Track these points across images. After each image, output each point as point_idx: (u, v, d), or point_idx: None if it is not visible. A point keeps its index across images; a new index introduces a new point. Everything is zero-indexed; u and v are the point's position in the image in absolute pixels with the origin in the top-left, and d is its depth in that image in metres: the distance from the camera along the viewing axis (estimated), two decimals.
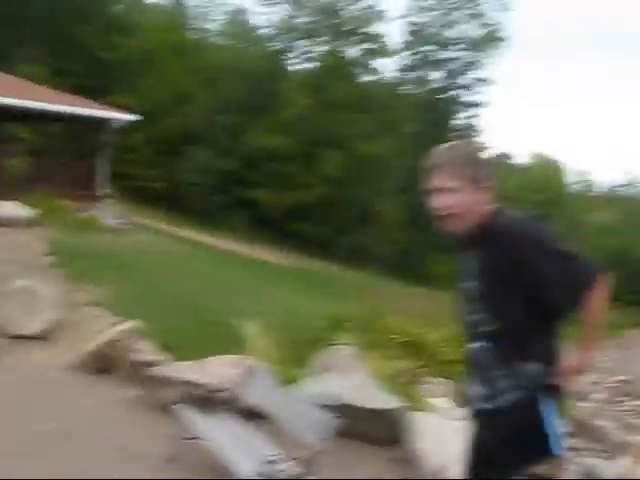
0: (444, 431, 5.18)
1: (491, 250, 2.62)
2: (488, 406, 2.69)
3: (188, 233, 23.36)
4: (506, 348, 2.64)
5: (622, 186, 56.88)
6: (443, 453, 4.64)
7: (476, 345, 2.71)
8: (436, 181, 2.66)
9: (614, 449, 8.05)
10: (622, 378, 14.98)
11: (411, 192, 38.91)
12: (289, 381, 5.92)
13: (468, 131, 42.67)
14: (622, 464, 6.87)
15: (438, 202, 2.67)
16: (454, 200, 2.63)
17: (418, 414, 5.56)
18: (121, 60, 32.32)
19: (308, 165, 35.01)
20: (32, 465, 4.35)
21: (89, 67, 31.09)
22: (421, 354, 9.23)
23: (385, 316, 10.44)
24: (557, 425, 2.67)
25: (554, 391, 2.65)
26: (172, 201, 31.30)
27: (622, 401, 13.09)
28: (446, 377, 8.58)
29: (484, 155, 2.74)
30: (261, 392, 4.82)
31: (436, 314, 12.95)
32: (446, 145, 2.74)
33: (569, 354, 2.65)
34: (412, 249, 36.53)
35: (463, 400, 2.93)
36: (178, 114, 32.64)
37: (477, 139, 44.33)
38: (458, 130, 42.87)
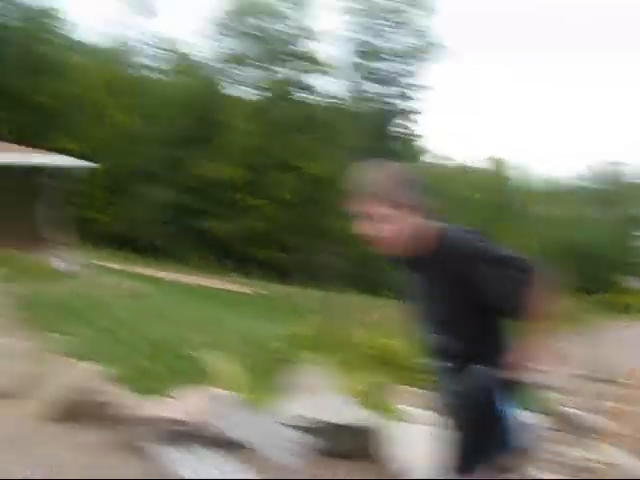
0: (422, 439, 5.25)
1: (438, 270, 2.65)
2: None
3: (146, 270, 23.19)
4: (464, 363, 2.73)
5: (569, 180, 58.20)
6: (417, 460, 4.71)
7: (439, 365, 2.82)
8: (365, 207, 2.65)
9: (584, 434, 8.23)
10: (583, 366, 15.28)
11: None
12: (260, 407, 5.93)
13: (410, 138, 43.29)
14: (594, 448, 7.04)
15: (368, 228, 2.66)
16: (385, 227, 2.64)
17: (394, 424, 5.63)
18: (55, 103, 31.99)
19: (259, 190, 35.07)
20: None
21: (22, 113, 30.67)
22: (389, 364, 9.31)
23: (351, 330, 10.51)
24: (518, 418, 2.76)
25: (509, 385, 2.74)
26: (126, 240, 31.06)
27: (586, 386, 13.34)
28: (418, 386, 8.68)
29: (413, 176, 2.74)
30: (235, 421, 4.85)
31: (398, 323, 13.07)
32: (373, 169, 2.73)
33: (518, 348, 2.73)
34: (368, 261, 36.77)
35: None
36: (122, 153, 32.47)
37: (419, 145, 45.05)
38: (397, 138, 43.44)
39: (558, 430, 8.02)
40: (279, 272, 34.61)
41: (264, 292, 25.28)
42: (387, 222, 2.62)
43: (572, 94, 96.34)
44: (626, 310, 35.65)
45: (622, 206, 50.75)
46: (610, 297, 36.83)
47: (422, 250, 2.66)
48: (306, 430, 4.68)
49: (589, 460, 6.84)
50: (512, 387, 2.76)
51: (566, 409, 8.92)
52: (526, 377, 2.77)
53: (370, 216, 2.64)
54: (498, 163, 56.75)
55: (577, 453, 7.25)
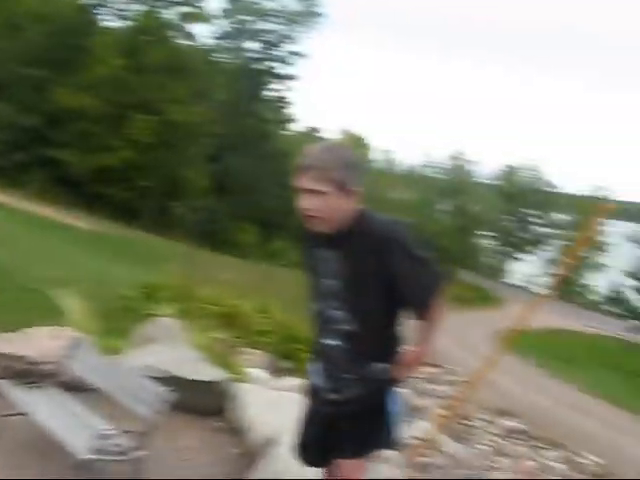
0: (267, 401, 5.44)
1: (355, 251, 2.73)
2: (332, 397, 2.87)
3: None
4: (361, 350, 2.80)
5: (421, 166, 60.41)
6: (267, 423, 4.88)
7: (330, 342, 2.84)
8: (306, 182, 2.67)
9: (412, 414, 8.79)
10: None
11: (218, 160, 38.98)
12: (112, 352, 5.89)
13: (279, 103, 43.29)
14: (419, 427, 7.55)
15: (306, 203, 2.69)
16: (321, 203, 2.67)
17: (241, 385, 5.77)
18: None
19: (116, 128, 33.80)
20: None
21: None
22: (236, 325, 9.46)
23: (199, 286, 10.52)
24: (400, 414, 2.93)
25: (396, 383, 2.89)
26: None
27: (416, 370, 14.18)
28: (261, 348, 8.90)
29: (355, 159, 2.79)
30: (87, 364, 4.77)
31: (247, 284, 13.23)
32: (318, 146, 2.75)
33: (409, 347, 2.85)
34: (217, 217, 36.65)
35: (306, 386, 3.08)
36: None
37: (289, 110, 45.12)
38: (269, 101, 43.34)
39: None
40: (127, 214, 33.71)
41: (111, 232, 24.59)
42: (322, 198, 2.66)
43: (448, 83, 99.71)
44: (456, 300, 37.73)
45: (466, 201, 53.39)
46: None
47: (346, 228, 2.72)
48: (160, 382, 4.70)
49: (409, 437, 7.33)
50: (398, 384, 2.90)
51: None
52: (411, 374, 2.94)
53: (308, 191, 2.67)
54: (359, 141, 58.09)
55: (405, 431, 7.75)
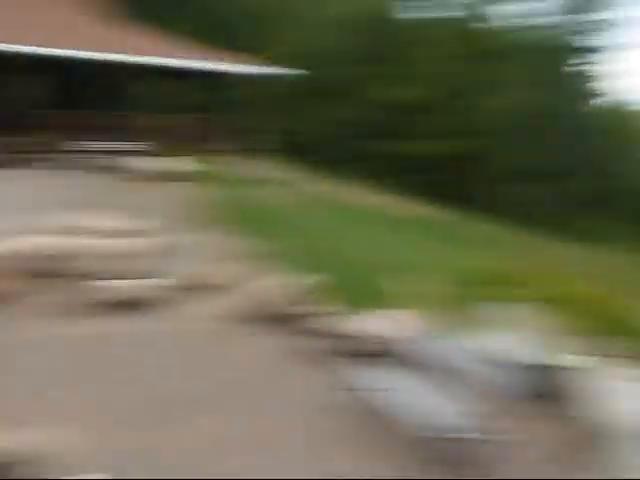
0: (608, 390, 5.00)
1: None
2: None
3: (330, 188, 23.54)
4: None
5: None
6: (615, 413, 4.46)
7: None
8: None
9: None
10: None
11: (543, 143, 37.36)
12: (452, 336, 5.89)
13: (590, 77, 40.38)
14: None
15: None
16: None
17: (580, 371, 5.39)
18: (244, 11, 32.76)
19: (446, 116, 34.20)
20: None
21: (214, 19, 31.64)
22: (588, 312, 8.92)
23: (539, 270, 10.13)
24: None
25: None
26: (310, 155, 31.51)
27: None
28: (617, 336, 8.24)
29: None
30: (438, 347, 4.82)
31: (591, 270, 12.45)
32: None
33: None
34: (553, 201, 35.19)
35: None
36: (308, 67, 32.52)
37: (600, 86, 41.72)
38: (580, 76, 40.46)
39: None
40: (455, 200, 33.84)
41: (446, 219, 24.87)
42: None
43: None
44: None
45: None
46: None
47: None
48: (507, 366, 4.56)
49: None
50: None
51: None
52: None
53: None
54: None
55: None
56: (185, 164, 15.81)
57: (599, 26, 38.68)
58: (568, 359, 5.60)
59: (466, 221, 26.84)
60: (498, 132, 34.73)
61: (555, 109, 38.81)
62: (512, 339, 5.78)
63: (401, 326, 5.68)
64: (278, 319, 6.54)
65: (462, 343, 5.58)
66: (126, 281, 7.04)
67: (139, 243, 7.90)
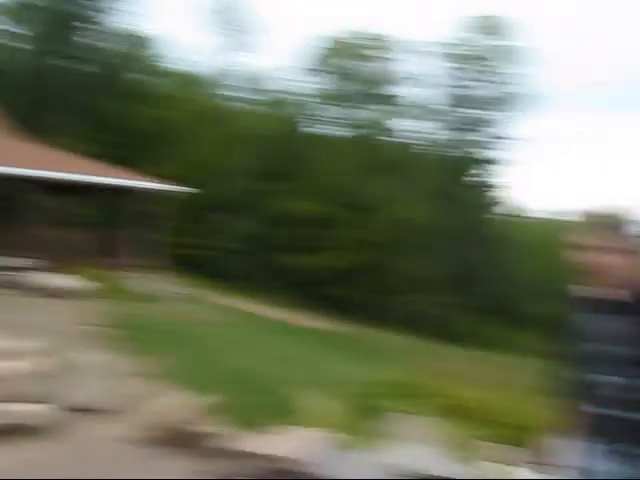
0: None
1: None
2: None
3: (231, 301, 23.42)
4: None
5: None
6: None
7: (628, 415, 2.65)
8: (595, 240, 2.68)
9: None
10: None
11: (443, 252, 38.82)
12: (358, 451, 5.78)
13: (489, 188, 42.75)
14: None
15: (596, 260, 2.67)
16: (614, 260, 2.66)
17: None
18: (144, 129, 33.12)
19: (339, 229, 35.11)
20: None
21: (112, 136, 31.80)
22: (485, 420, 9.00)
23: (442, 381, 10.24)
24: None
25: None
26: (211, 269, 31.44)
27: None
28: (515, 444, 8.32)
29: (634, 222, 2.77)
30: (333, 464, 4.71)
31: (494, 377, 12.72)
32: (601, 207, 2.78)
33: None
34: (453, 311, 36.18)
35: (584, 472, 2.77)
36: (205, 182, 33.03)
37: (498, 196, 44.24)
38: (485, 187, 42.79)
39: None
40: (355, 312, 34.39)
41: (347, 331, 25.10)
42: (613, 256, 2.66)
43: None
44: None
45: None
46: None
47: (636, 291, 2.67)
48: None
49: None
50: None
51: None
52: None
53: (598, 248, 2.67)
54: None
55: None
56: (83, 280, 15.37)
57: (496, 141, 41.31)
58: (472, 470, 5.60)
59: (367, 333, 27.17)
60: (398, 244, 35.84)
61: (454, 220, 40.59)
62: (417, 452, 5.75)
63: (305, 443, 5.54)
64: (178, 441, 6.26)
65: (367, 458, 5.48)
66: (11, 405, 6.60)
67: (26, 364, 7.48)
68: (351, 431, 6.68)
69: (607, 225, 2.71)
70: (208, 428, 6.19)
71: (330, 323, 26.86)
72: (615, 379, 2.68)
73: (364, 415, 8.05)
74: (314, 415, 7.14)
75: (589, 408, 2.73)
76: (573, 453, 2.75)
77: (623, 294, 2.68)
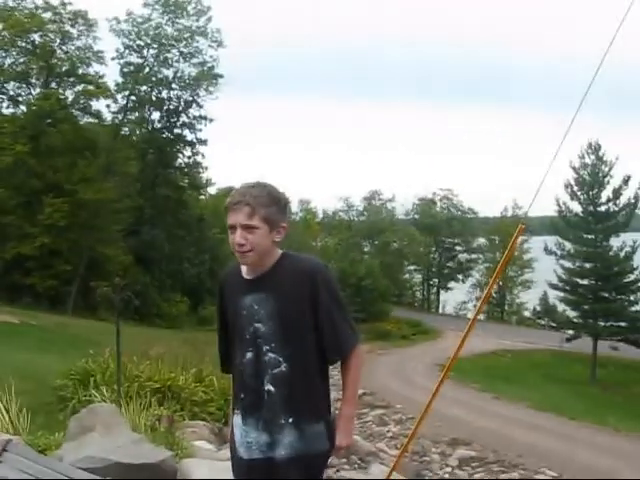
0: (215, 475, 5.27)
1: (285, 290, 2.77)
2: (268, 455, 2.80)
3: None
4: (298, 393, 2.78)
5: (341, 212, 61.04)
6: None
7: (268, 388, 2.80)
8: (239, 218, 2.74)
9: (366, 459, 8.68)
10: (361, 391, 16.12)
11: (137, 233, 38.57)
12: (47, 449, 5.62)
13: (192, 169, 43.23)
14: (375, 472, 7.45)
15: (239, 239, 2.74)
16: (255, 238, 2.73)
17: (187, 461, 5.59)
18: None
19: (29, 214, 33.09)
20: None
21: None
22: (174, 399, 9.20)
23: (132, 364, 10.21)
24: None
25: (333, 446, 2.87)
26: None
27: (365, 413, 14.09)
28: (202, 419, 8.68)
29: (282, 196, 2.88)
30: (20, 467, 4.54)
31: (181, 355, 12.96)
32: (248, 184, 2.83)
33: (342, 405, 2.86)
34: (141, 291, 36.07)
35: (234, 446, 2.96)
36: None
37: (202, 175, 45.02)
38: (182, 168, 43.23)
39: (340, 456, 8.38)
40: (51, 301, 32.86)
41: (34, 322, 23.77)
42: (257, 235, 2.73)
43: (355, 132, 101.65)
44: (385, 337, 37.96)
45: (388, 239, 54.18)
46: (377, 326, 38.98)
47: (272, 269, 2.80)
48: (101, 472, 4.50)
49: None
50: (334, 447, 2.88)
51: None
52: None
53: (242, 226, 2.73)
54: None
55: (355, 477, 7.64)
56: None
57: (200, 121, 41.41)
58: (169, 450, 5.75)
59: (62, 322, 26.03)
60: (88, 227, 34.63)
61: (152, 201, 40.26)
62: (111, 440, 5.73)
63: None
64: None
65: (54, 456, 5.35)
66: None
67: None
68: (38, 429, 6.46)
69: (241, 201, 2.75)
70: None
71: (22, 315, 25.22)
72: (250, 354, 2.82)
73: (53, 410, 7.81)
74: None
75: (237, 382, 2.92)
76: (235, 425, 2.96)
77: (254, 272, 2.82)
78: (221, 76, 40.37)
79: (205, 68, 40.51)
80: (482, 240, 58.16)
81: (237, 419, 2.91)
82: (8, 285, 31.72)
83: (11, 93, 37.06)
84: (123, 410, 7.04)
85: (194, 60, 40.63)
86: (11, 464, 4.55)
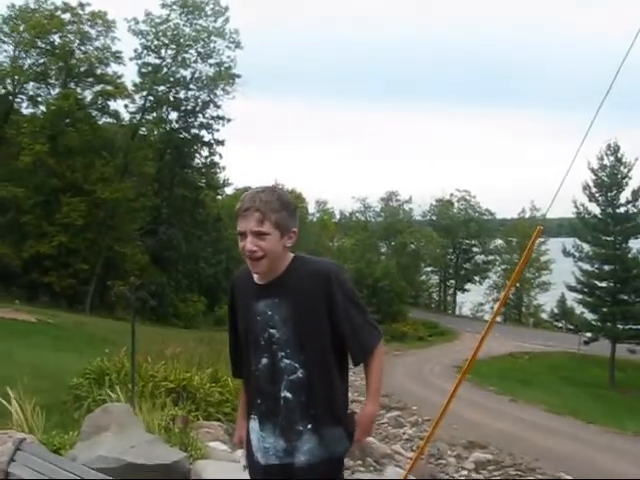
0: (229, 476, 5.23)
1: (299, 294, 2.72)
2: (285, 461, 2.76)
3: None
4: (315, 399, 2.73)
5: (357, 213, 61.03)
6: None
7: (284, 395, 2.75)
8: (249, 224, 2.69)
9: (381, 461, 8.63)
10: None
11: (154, 233, 38.72)
12: (61, 448, 5.61)
13: (209, 169, 43.30)
14: (391, 474, 7.40)
15: (250, 245, 2.69)
16: (266, 244, 2.68)
17: (201, 462, 5.56)
18: None
19: (47, 214, 33.34)
20: None
21: None
22: (189, 399, 9.19)
23: (149, 364, 10.22)
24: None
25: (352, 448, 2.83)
26: None
27: (381, 414, 14.01)
28: (217, 420, 8.66)
29: (292, 201, 2.84)
30: (32, 466, 4.53)
31: (197, 355, 12.97)
32: (258, 190, 2.77)
33: (366, 402, 2.80)
34: (158, 290, 36.23)
35: (252, 450, 2.91)
36: None
37: (219, 176, 45.10)
38: (199, 168, 43.31)
39: (356, 458, 8.34)
40: (69, 299, 33.08)
41: (53, 321, 23.92)
42: (267, 241, 2.68)
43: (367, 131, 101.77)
44: (402, 338, 37.90)
45: (405, 240, 54.07)
46: (393, 327, 38.91)
47: (285, 273, 2.76)
48: (114, 472, 4.48)
49: None
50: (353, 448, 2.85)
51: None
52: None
53: (253, 233, 2.68)
54: (293, 194, 58.41)
55: (371, 478, 7.59)
56: None
57: (218, 121, 41.50)
58: (183, 451, 5.72)
59: (79, 320, 26.19)
60: (107, 227, 34.84)
61: (171, 201, 40.42)
62: (125, 440, 5.71)
63: (4, 448, 5.23)
64: None
65: (68, 456, 5.35)
66: None
67: None
68: (54, 429, 6.46)
69: (251, 207, 2.70)
70: None
71: (41, 314, 25.39)
72: (266, 360, 2.78)
73: (68, 409, 7.82)
74: (15, 416, 6.77)
75: (252, 387, 2.87)
76: (250, 431, 2.91)
77: (266, 277, 2.77)
78: (239, 76, 40.46)
79: (222, 68, 40.58)
80: (499, 242, 57.88)
81: (254, 424, 2.86)
82: (26, 284, 31.97)
83: (30, 93, 37.36)
84: (137, 410, 7.02)
85: (211, 60, 40.73)
86: (24, 463, 4.54)
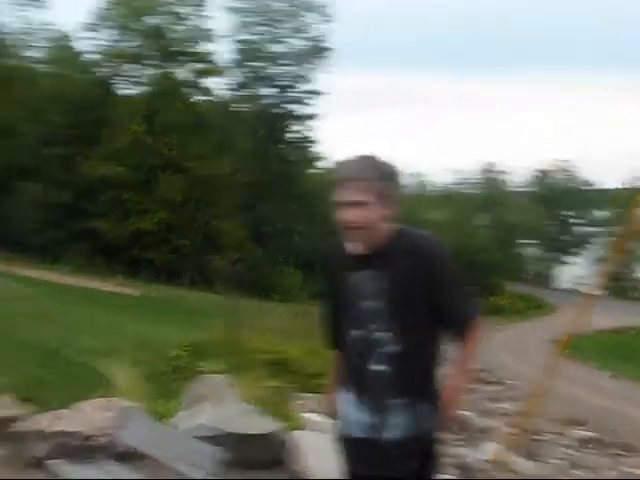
0: (325, 447, 5.30)
1: (399, 268, 2.66)
2: (375, 435, 2.74)
3: (27, 272, 22.24)
4: (409, 373, 2.70)
5: (454, 185, 60.12)
6: (328, 469, 4.75)
7: (377, 368, 2.72)
8: (347, 194, 2.63)
9: (478, 435, 8.55)
10: (475, 366, 15.87)
11: (251, 208, 39.35)
12: (164, 417, 5.83)
13: (303, 143, 43.56)
14: (487, 449, 7.32)
15: (348, 216, 2.63)
16: (365, 214, 2.62)
17: (298, 433, 5.66)
18: None
19: (147, 191, 34.42)
20: None
21: None
22: (287, 371, 9.35)
23: (246, 336, 10.45)
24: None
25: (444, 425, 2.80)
26: (4, 239, 29.59)
27: (477, 388, 13.84)
28: (314, 391, 8.77)
29: (393, 169, 2.75)
30: (138, 433, 4.71)
31: (294, 328, 13.17)
32: (356, 158, 2.70)
33: (455, 376, 2.76)
34: (255, 264, 36.84)
35: (338, 422, 2.92)
36: (2, 148, 30.99)
37: (313, 150, 45.31)
38: (292, 143, 43.63)
39: (452, 432, 8.28)
40: (169, 274, 34.11)
41: (153, 295, 24.79)
42: (366, 210, 2.61)
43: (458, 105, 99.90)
44: (499, 312, 37.30)
45: (503, 213, 52.98)
46: (491, 301, 38.38)
47: (385, 245, 2.68)
48: (213, 441, 4.61)
49: (478, 460, 7.10)
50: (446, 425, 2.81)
51: (460, 411, 9.16)
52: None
53: (350, 203, 2.62)
54: None
55: (467, 453, 7.53)
56: None
57: (310, 95, 41.80)
58: (281, 422, 5.85)
59: (179, 295, 27.06)
60: (205, 203, 35.67)
61: (266, 176, 41.01)
62: (228, 411, 5.88)
63: (111, 415, 5.47)
64: None
65: (178, 422, 5.55)
66: None
67: None
68: (156, 398, 6.70)
69: (349, 177, 2.64)
70: (6, 411, 5.93)
71: (141, 288, 26.38)
72: (357, 332, 2.74)
73: (170, 379, 8.10)
74: (119, 384, 7.06)
75: (344, 359, 2.85)
76: (341, 403, 2.91)
77: (364, 248, 2.69)
78: (331, 50, 40.37)
79: (315, 42, 40.58)
80: (601, 213, 55.89)
81: (345, 396, 2.85)
82: (129, 259, 33.16)
83: (126, 75, 38.40)
84: (235, 381, 7.19)
85: (304, 35, 40.75)
86: (132, 430, 4.72)
